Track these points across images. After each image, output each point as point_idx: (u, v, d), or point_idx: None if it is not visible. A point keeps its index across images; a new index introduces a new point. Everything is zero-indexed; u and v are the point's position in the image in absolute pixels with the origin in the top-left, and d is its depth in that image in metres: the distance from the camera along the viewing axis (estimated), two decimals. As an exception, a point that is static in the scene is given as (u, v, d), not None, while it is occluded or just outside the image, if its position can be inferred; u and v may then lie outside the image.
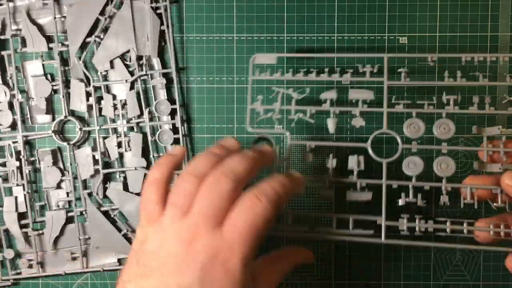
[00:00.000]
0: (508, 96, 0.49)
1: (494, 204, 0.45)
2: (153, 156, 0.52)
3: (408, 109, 0.45)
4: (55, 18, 0.50)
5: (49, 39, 0.51)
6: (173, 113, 0.51)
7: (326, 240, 0.48)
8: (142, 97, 0.51)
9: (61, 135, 0.52)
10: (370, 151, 0.45)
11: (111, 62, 0.51)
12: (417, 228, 0.45)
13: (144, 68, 0.51)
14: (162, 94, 0.51)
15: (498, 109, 0.48)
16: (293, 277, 0.52)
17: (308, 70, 0.47)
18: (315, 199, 0.51)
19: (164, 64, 0.51)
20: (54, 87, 0.51)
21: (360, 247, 0.52)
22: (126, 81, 0.51)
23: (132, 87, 0.52)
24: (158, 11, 0.50)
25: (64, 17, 0.50)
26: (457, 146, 0.49)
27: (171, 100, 0.51)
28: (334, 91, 0.46)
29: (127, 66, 0.51)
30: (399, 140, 0.45)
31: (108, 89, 0.52)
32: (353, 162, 0.45)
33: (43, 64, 0.51)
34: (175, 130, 0.51)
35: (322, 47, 0.51)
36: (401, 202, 0.45)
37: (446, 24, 0.51)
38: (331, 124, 0.46)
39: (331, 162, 0.46)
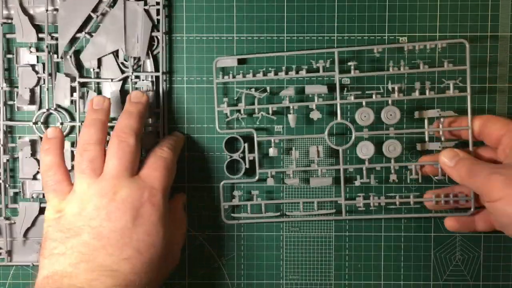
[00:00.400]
0: (445, 80, 0.50)
1: (435, 177, 0.50)
2: None
3: (358, 99, 0.50)
4: (47, 10, 0.50)
5: (39, 29, 0.51)
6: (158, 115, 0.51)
7: (295, 221, 0.53)
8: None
9: (46, 127, 0.52)
10: (327, 141, 0.50)
11: (99, 60, 0.51)
12: (371, 204, 0.51)
13: (130, 68, 0.51)
14: (150, 95, 0.51)
15: (436, 93, 0.50)
16: (293, 278, 0.53)
17: (267, 70, 0.51)
18: (284, 187, 0.53)
19: (156, 65, 0.51)
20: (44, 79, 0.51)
21: (360, 247, 0.52)
22: (112, 80, 0.51)
23: (123, 87, 0.51)
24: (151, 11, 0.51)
25: (57, 9, 0.50)
26: (402, 129, 0.51)
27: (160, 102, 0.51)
28: (292, 89, 0.51)
29: (122, 65, 0.51)
30: (352, 128, 0.50)
31: (98, 87, 0.51)
32: (313, 152, 0.51)
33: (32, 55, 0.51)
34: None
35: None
36: (357, 183, 0.51)
37: (446, 24, 0.51)
38: (291, 119, 0.51)
39: (294, 154, 0.51)
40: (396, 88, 0.49)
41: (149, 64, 0.51)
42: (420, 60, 0.50)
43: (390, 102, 0.50)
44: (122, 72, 0.51)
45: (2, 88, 0.51)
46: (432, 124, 0.50)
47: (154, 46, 0.51)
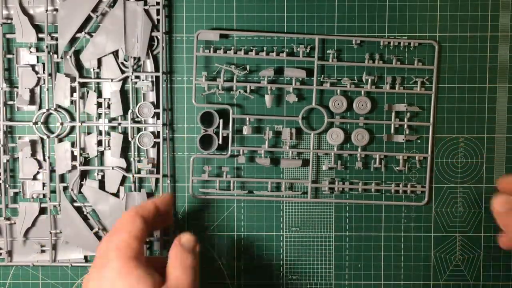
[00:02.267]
0: (414, 77, 0.51)
1: (396, 168, 0.52)
2: (133, 158, 0.51)
3: (333, 87, 0.52)
4: (47, 10, 0.50)
5: (39, 29, 0.51)
6: (158, 115, 0.51)
7: (262, 200, 0.53)
8: (131, 97, 0.51)
9: (46, 127, 0.52)
10: (300, 124, 0.52)
11: (99, 60, 0.51)
12: (336, 189, 0.53)
13: (130, 68, 0.51)
14: (151, 95, 0.51)
15: (405, 89, 0.52)
16: (292, 278, 0.53)
17: (248, 48, 0.51)
18: (254, 167, 0.53)
19: (156, 65, 0.51)
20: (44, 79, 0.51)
21: (360, 247, 0.52)
22: (112, 80, 0.51)
23: (123, 87, 0.51)
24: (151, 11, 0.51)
25: (56, 10, 0.50)
26: (371, 120, 0.53)
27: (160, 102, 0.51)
28: (272, 69, 0.51)
29: (122, 65, 0.51)
30: (324, 114, 0.52)
31: (98, 87, 0.51)
32: (286, 134, 0.52)
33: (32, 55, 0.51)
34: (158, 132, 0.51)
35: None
36: (324, 167, 0.53)
37: (446, 24, 0.51)
38: (268, 99, 0.51)
39: (268, 134, 0.52)
40: (369, 80, 0.51)
41: (149, 64, 0.51)
42: (394, 55, 0.51)
43: (363, 93, 0.51)
44: (122, 72, 0.51)
45: (2, 88, 0.51)
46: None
47: (154, 46, 0.51)
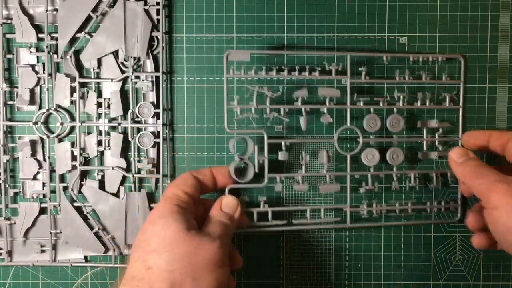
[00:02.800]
0: (443, 93, 0.51)
1: (431, 185, 0.52)
2: (133, 158, 0.51)
3: (367, 105, 0.50)
4: (47, 10, 0.50)
5: (39, 29, 0.51)
6: (158, 115, 0.51)
7: (301, 231, 0.52)
8: (131, 97, 0.51)
9: (46, 127, 0.52)
10: (336, 145, 0.50)
11: (99, 60, 0.51)
12: (374, 212, 0.51)
13: (130, 68, 0.51)
14: (151, 95, 0.51)
15: (436, 104, 0.51)
16: (293, 278, 0.53)
17: (280, 68, 0.50)
18: (290, 193, 0.52)
19: (156, 65, 0.51)
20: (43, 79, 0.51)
21: (360, 247, 0.52)
22: (112, 80, 0.50)
23: (123, 87, 0.51)
24: (151, 11, 0.50)
25: (56, 10, 0.50)
26: (404, 138, 0.52)
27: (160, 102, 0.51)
28: (305, 90, 0.49)
29: (122, 65, 0.51)
30: (359, 134, 0.50)
31: (99, 87, 0.51)
32: (323, 156, 0.50)
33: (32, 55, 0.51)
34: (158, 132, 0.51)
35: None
36: (362, 190, 0.51)
37: (446, 24, 0.51)
38: (303, 121, 0.50)
39: (304, 158, 0.50)
40: (401, 97, 0.50)
41: (149, 64, 0.51)
42: (423, 71, 0.50)
43: (395, 110, 0.50)
44: (122, 72, 0.51)
45: (2, 88, 0.51)
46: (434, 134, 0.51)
47: (154, 46, 0.51)
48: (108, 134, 0.51)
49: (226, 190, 0.48)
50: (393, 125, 0.50)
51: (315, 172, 0.51)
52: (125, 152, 0.51)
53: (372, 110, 0.50)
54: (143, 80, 0.50)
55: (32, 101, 0.51)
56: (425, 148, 0.51)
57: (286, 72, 0.49)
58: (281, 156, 0.49)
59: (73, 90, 0.51)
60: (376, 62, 0.51)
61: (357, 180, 0.51)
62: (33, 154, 0.51)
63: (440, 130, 0.51)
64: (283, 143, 0.49)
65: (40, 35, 0.50)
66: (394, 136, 0.51)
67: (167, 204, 0.44)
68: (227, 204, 0.47)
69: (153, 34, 0.50)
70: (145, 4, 0.50)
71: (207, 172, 0.48)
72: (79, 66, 0.51)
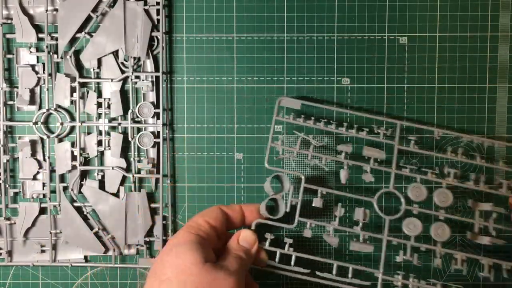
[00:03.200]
0: (499, 178, 0.50)
1: (481, 274, 0.49)
2: (133, 158, 0.51)
3: (413, 174, 0.48)
4: (47, 10, 0.50)
5: (39, 29, 0.51)
6: (158, 115, 0.51)
7: (325, 285, 0.49)
8: (131, 97, 0.51)
9: (46, 127, 0.52)
10: (375, 207, 0.48)
11: (99, 60, 0.51)
12: (410, 286, 0.48)
13: (130, 68, 0.51)
14: (151, 95, 0.51)
15: (490, 189, 0.49)
16: (292, 279, 0.52)
17: (328, 121, 0.49)
18: (319, 243, 0.52)
19: (156, 65, 0.51)
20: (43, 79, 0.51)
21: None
22: (112, 80, 0.50)
23: (123, 87, 0.51)
24: (151, 11, 0.51)
25: (56, 10, 0.50)
26: (453, 215, 0.49)
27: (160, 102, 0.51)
28: (350, 145, 0.49)
29: (122, 65, 0.51)
30: (402, 201, 0.48)
31: (99, 87, 0.51)
32: (359, 214, 0.48)
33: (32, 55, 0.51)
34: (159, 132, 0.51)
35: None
36: (398, 258, 0.48)
37: (446, 24, 0.51)
38: (343, 175, 0.49)
39: (339, 211, 0.48)
40: (451, 173, 0.48)
41: (149, 64, 0.51)
42: (477, 154, 0.50)
43: (444, 184, 0.48)
44: (122, 72, 0.51)
45: (2, 88, 0.51)
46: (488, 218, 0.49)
47: (154, 46, 0.51)
48: (108, 134, 0.51)
49: (253, 224, 0.47)
50: (440, 199, 0.48)
51: (348, 226, 0.49)
52: (125, 152, 0.51)
53: (418, 179, 0.48)
54: (143, 80, 0.50)
55: (32, 101, 0.51)
56: (476, 230, 0.48)
57: (334, 126, 0.48)
58: (315, 202, 0.48)
59: (73, 90, 0.51)
60: (424, 132, 0.51)
61: (394, 246, 0.49)
62: (33, 154, 0.51)
63: (494, 214, 0.48)
64: (319, 191, 0.48)
65: (40, 35, 0.50)
66: (440, 210, 0.48)
67: (186, 232, 0.44)
68: (245, 238, 0.46)
69: (153, 34, 0.50)
70: (145, 4, 0.50)
71: (236, 207, 0.48)
72: (79, 66, 0.51)
